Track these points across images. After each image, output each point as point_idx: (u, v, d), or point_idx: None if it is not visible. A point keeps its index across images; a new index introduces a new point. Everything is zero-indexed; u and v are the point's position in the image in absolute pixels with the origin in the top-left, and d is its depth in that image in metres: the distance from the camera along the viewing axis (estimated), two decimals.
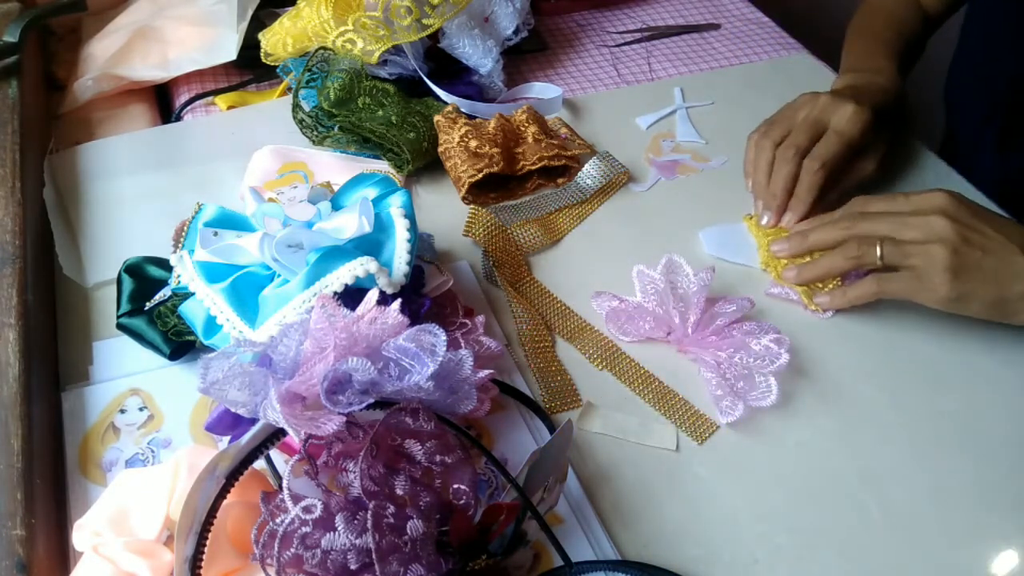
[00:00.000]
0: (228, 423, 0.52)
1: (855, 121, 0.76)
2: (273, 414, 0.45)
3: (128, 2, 0.97)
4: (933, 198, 0.66)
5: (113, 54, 0.88)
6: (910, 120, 0.88)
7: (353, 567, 0.44)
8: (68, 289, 0.69)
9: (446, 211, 0.78)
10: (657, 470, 0.61)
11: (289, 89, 0.87)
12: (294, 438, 0.46)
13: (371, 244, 0.58)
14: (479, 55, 0.87)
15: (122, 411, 0.61)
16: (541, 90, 0.93)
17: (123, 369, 0.63)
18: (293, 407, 0.46)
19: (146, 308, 0.63)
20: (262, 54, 0.87)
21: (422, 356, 0.48)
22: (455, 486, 0.48)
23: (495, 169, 0.77)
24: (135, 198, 0.77)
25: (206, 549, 0.46)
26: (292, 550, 0.43)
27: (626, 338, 0.69)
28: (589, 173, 0.82)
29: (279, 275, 0.57)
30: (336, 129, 0.81)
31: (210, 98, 0.89)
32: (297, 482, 0.45)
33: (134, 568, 0.48)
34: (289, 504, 0.44)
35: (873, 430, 0.64)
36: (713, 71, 0.99)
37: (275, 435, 0.48)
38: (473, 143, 0.78)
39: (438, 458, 0.48)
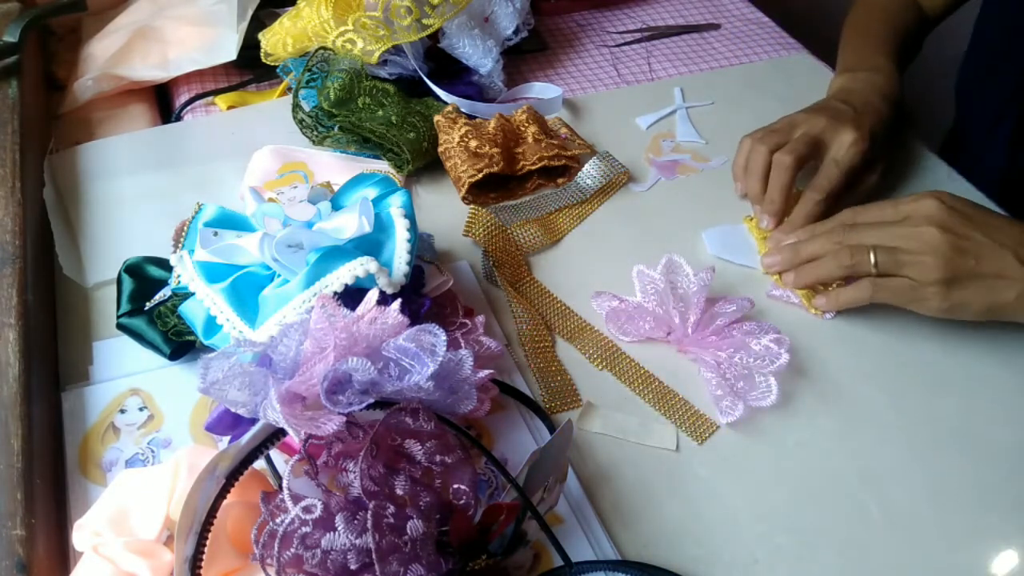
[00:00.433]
0: (228, 423, 0.52)
1: (856, 151, 0.76)
2: (273, 414, 0.45)
3: (128, 2, 0.97)
4: (923, 206, 0.66)
5: (113, 54, 0.88)
6: (910, 119, 0.88)
7: (353, 567, 0.44)
8: (68, 289, 0.69)
9: (446, 211, 0.78)
10: (657, 470, 0.61)
11: (289, 89, 0.87)
12: (294, 438, 0.46)
13: (371, 244, 0.58)
14: (479, 55, 0.87)
15: (122, 411, 0.61)
16: (541, 90, 0.93)
17: (123, 369, 0.63)
18: (293, 407, 0.46)
19: (146, 308, 0.63)
20: (262, 54, 0.87)
21: (422, 356, 0.48)
22: (455, 486, 0.48)
23: (495, 169, 0.77)
24: (135, 198, 0.77)
25: (206, 549, 0.46)
26: (292, 550, 0.43)
27: (626, 338, 0.69)
28: (589, 173, 0.82)
29: (279, 275, 0.57)
30: (336, 129, 0.81)
31: (210, 98, 0.89)
32: (297, 482, 0.45)
33: (134, 568, 0.48)
34: (289, 504, 0.44)
35: (873, 430, 0.64)
36: (713, 71, 0.99)
37: (275, 435, 0.48)
38: (473, 143, 0.78)
39: (438, 458, 0.48)
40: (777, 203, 0.76)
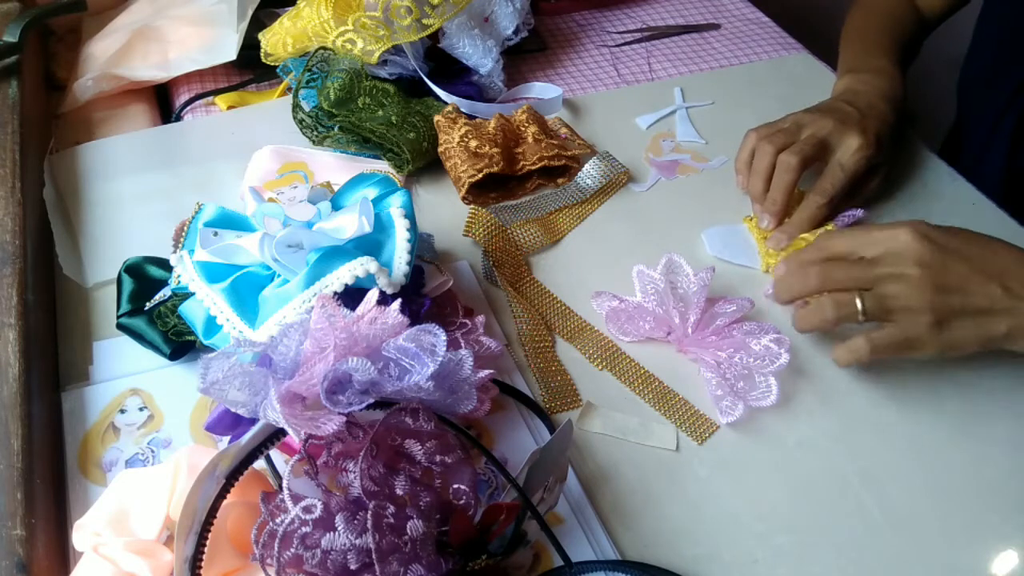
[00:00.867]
0: (228, 423, 0.52)
1: (861, 156, 0.76)
2: (273, 414, 0.45)
3: (128, 2, 0.97)
4: (901, 242, 0.62)
5: (113, 54, 0.88)
6: (910, 119, 0.87)
7: (353, 567, 0.44)
8: (68, 289, 0.69)
9: (446, 211, 0.78)
10: (657, 470, 0.61)
11: (289, 89, 0.87)
12: (294, 438, 0.46)
13: (371, 244, 0.58)
14: (479, 55, 0.87)
15: (122, 411, 0.61)
16: (541, 90, 0.93)
17: (123, 369, 0.63)
18: (293, 407, 0.46)
19: (146, 308, 0.63)
20: (262, 54, 0.87)
21: (422, 356, 0.48)
22: (455, 486, 0.48)
23: (495, 169, 0.77)
24: (135, 198, 0.77)
25: (206, 549, 0.46)
26: (292, 550, 0.43)
27: (626, 338, 0.69)
28: (589, 173, 0.82)
29: (279, 275, 0.57)
30: (336, 129, 0.81)
31: (210, 98, 0.89)
32: (297, 482, 0.45)
33: (134, 568, 0.48)
34: (289, 504, 0.44)
35: (873, 430, 0.64)
36: (713, 71, 0.99)
37: (275, 435, 0.48)
38: (473, 143, 0.78)
39: (438, 458, 0.48)
40: (779, 203, 0.76)
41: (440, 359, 0.48)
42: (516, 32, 0.92)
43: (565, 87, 0.94)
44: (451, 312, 0.65)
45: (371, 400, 0.47)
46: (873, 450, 0.63)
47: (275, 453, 0.54)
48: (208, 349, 0.59)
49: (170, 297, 0.63)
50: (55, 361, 0.64)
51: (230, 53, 0.88)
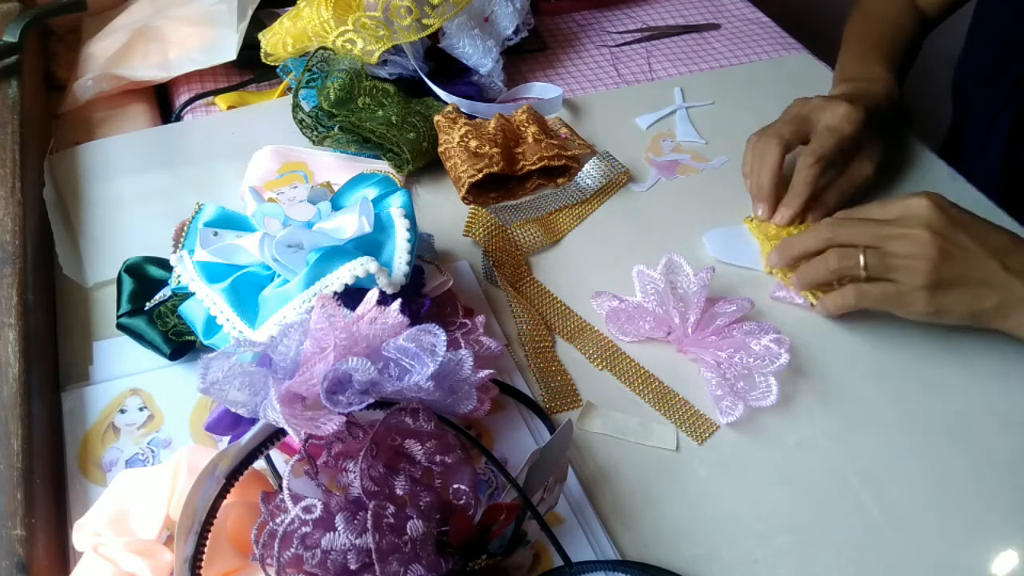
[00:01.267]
0: (228, 423, 0.52)
1: (847, 119, 0.76)
2: (273, 414, 0.45)
3: (128, 2, 0.97)
4: (914, 207, 0.66)
5: (113, 54, 0.88)
6: (910, 119, 0.87)
7: (353, 567, 0.44)
8: (68, 289, 0.69)
9: (446, 211, 0.78)
10: (657, 470, 0.61)
11: (289, 89, 0.87)
12: (294, 438, 0.46)
13: (371, 244, 0.58)
14: (479, 55, 0.87)
15: (122, 411, 0.61)
16: (541, 90, 0.93)
17: (123, 369, 0.63)
18: (293, 407, 0.46)
19: (146, 308, 0.63)
20: (262, 54, 0.87)
21: (422, 356, 0.48)
22: (455, 486, 0.48)
23: (495, 169, 0.77)
24: (135, 198, 0.77)
25: (206, 549, 0.46)
26: (292, 550, 0.43)
27: (626, 338, 0.69)
28: (589, 173, 0.82)
29: (279, 275, 0.57)
30: (336, 129, 0.81)
31: (210, 98, 0.89)
32: (297, 482, 0.45)
33: (134, 568, 0.48)
34: (289, 504, 0.44)
35: (873, 430, 0.64)
36: (713, 71, 0.99)
37: (275, 435, 0.48)
38: (473, 143, 0.78)
39: (438, 458, 0.48)
40: (765, 188, 0.76)
41: (440, 359, 0.48)
42: (516, 32, 0.92)
43: (565, 87, 0.94)
44: (451, 312, 0.65)
45: (371, 400, 0.47)
46: (873, 450, 0.63)
47: (275, 453, 0.54)
48: (208, 349, 0.59)
49: (170, 297, 0.63)
50: (55, 361, 0.64)
51: (230, 53, 0.88)
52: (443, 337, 0.49)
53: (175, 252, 0.62)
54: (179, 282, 0.59)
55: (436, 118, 0.81)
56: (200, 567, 0.46)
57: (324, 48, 0.82)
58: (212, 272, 0.58)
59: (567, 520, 0.57)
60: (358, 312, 0.50)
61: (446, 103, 0.84)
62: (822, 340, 0.70)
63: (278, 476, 0.53)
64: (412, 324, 0.50)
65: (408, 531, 0.44)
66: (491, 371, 0.55)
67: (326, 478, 0.46)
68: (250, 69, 0.91)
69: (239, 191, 0.78)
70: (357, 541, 0.43)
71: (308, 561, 0.43)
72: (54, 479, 0.56)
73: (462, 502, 0.48)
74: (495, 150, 0.77)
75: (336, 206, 0.62)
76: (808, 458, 0.62)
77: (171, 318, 0.62)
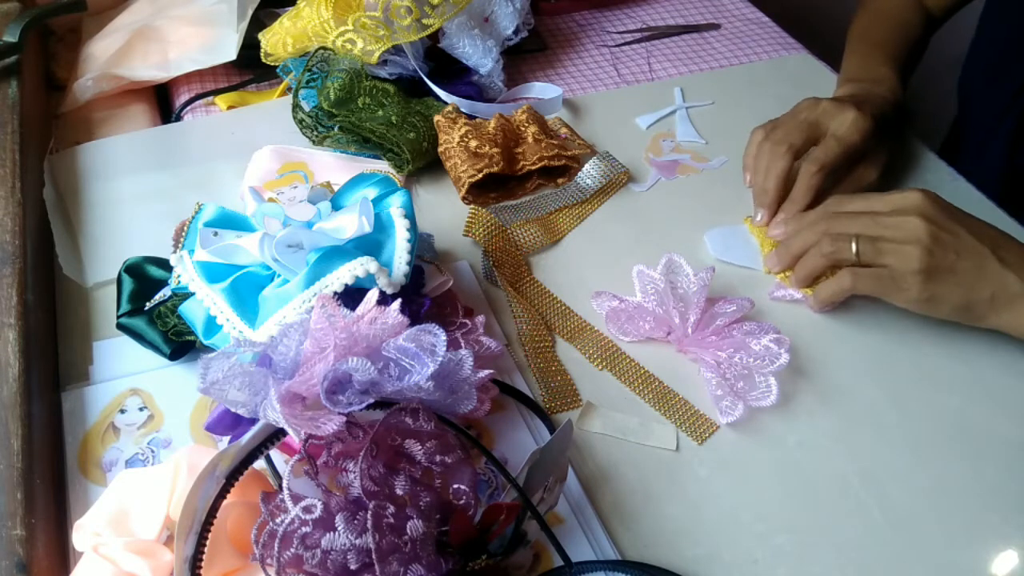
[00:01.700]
0: (228, 423, 0.52)
1: (855, 128, 0.76)
2: (273, 414, 0.45)
3: (128, 2, 0.97)
4: (909, 198, 0.67)
5: (113, 54, 0.88)
6: (910, 119, 0.87)
7: (353, 567, 0.44)
8: (68, 289, 0.69)
9: (446, 211, 0.78)
10: (657, 470, 0.61)
11: (289, 89, 0.87)
12: (294, 438, 0.46)
13: (371, 244, 0.58)
14: (479, 55, 0.87)
15: (122, 411, 0.61)
16: (541, 90, 0.93)
17: (123, 369, 0.63)
18: (293, 407, 0.46)
19: (146, 308, 0.63)
20: (262, 54, 0.87)
21: (422, 356, 0.48)
22: (455, 486, 0.48)
23: (495, 169, 0.77)
24: (135, 198, 0.77)
25: (206, 549, 0.46)
26: (292, 550, 0.44)
27: (626, 338, 0.69)
28: (589, 173, 0.82)
29: (279, 275, 0.57)
30: (336, 129, 0.81)
31: (210, 98, 0.89)
32: (297, 482, 0.45)
33: (134, 568, 0.48)
34: (289, 504, 0.44)
35: (873, 430, 0.64)
36: (713, 71, 0.99)
37: (275, 435, 0.48)
38: (473, 143, 0.78)
39: (438, 458, 0.48)
40: (770, 193, 0.76)
41: (440, 359, 0.48)
42: (516, 32, 0.92)
43: (565, 87, 0.94)
44: (451, 312, 0.65)
45: (371, 400, 0.47)
46: (873, 450, 0.63)
47: (275, 453, 0.54)
48: (208, 349, 0.59)
49: (170, 297, 0.63)
50: (55, 361, 0.64)
51: (230, 53, 0.88)
52: (443, 337, 0.49)
53: (175, 252, 0.62)
54: (179, 282, 0.59)
55: (436, 118, 0.81)
56: (200, 567, 0.46)
57: (324, 48, 0.82)
58: (212, 272, 0.58)
59: (567, 520, 0.57)
60: (358, 312, 0.50)
61: (446, 103, 0.84)
62: (822, 340, 0.70)
63: (278, 476, 0.53)
64: (412, 324, 0.50)
65: (408, 531, 0.44)
66: (491, 371, 0.55)
67: (326, 478, 0.46)
68: (250, 69, 0.91)
69: (239, 191, 0.78)
70: (357, 541, 0.43)
71: (308, 561, 0.43)
72: (54, 479, 0.56)
73: (462, 502, 0.48)
74: (495, 150, 0.77)
75: (336, 206, 0.62)
76: (808, 458, 0.62)
77: (171, 318, 0.62)
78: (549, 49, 1.01)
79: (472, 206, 0.76)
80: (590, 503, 0.58)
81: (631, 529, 0.57)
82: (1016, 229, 0.80)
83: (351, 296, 0.53)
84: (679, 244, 0.75)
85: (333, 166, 0.80)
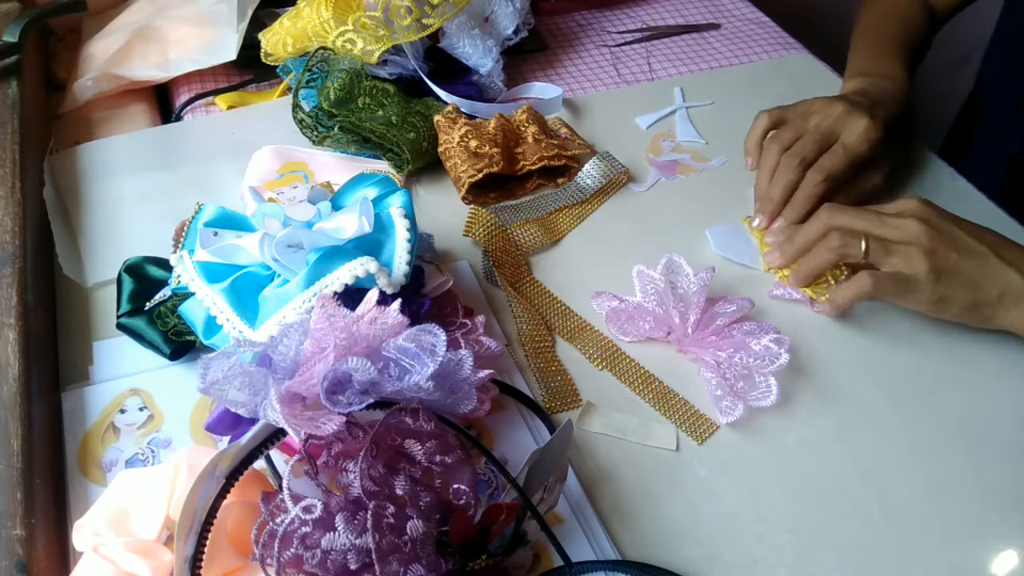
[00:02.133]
0: (228, 423, 0.52)
1: (865, 138, 0.76)
2: (273, 414, 0.45)
3: (128, 2, 0.97)
4: (907, 203, 0.68)
5: (113, 54, 0.88)
6: (913, 119, 0.87)
7: (353, 567, 0.44)
8: (68, 289, 0.69)
9: (446, 211, 0.78)
10: (657, 470, 0.61)
11: (289, 89, 0.87)
12: (294, 438, 0.46)
13: (371, 244, 0.58)
14: (479, 55, 0.87)
15: (122, 411, 0.61)
16: (541, 90, 0.93)
17: (123, 369, 0.63)
18: (293, 407, 0.46)
19: (146, 308, 0.63)
20: (262, 54, 0.87)
21: (422, 356, 0.48)
22: (455, 486, 0.48)
23: (495, 169, 0.77)
24: (135, 198, 0.77)
25: (206, 549, 0.46)
26: (292, 550, 0.43)
27: (626, 338, 0.69)
28: (589, 173, 0.82)
29: (279, 275, 0.57)
30: (336, 129, 0.81)
31: (210, 98, 0.89)
32: (297, 482, 0.45)
33: (134, 568, 0.48)
34: (289, 504, 0.44)
35: (873, 430, 0.64)
36: (713, 71, 0.99)
37: (275, 435, 0.48)
38: (473, 143, 0.78)
39: (438, 458, 0.48)
40: (775, 202, 0.76)
41: (440, 359, 0.48)
42: (516, 32, 0.92)
43: (565, 87, 0.94)
44: (451, 312, 0.65)
45: (371, 400, 0.47)
46: (873, 450, 0.63)
47: (275, 453, 0.54)
48: (208, 349, 0.59)
49: (170, 297, 0.63)
50: (55, 361, 0.64)
51: (230, 53, 0.88)
52: (443, 337, 0.48)
53: (175, 252, 0.62)
54: (179, 282, 0.59)
55: (436, 118, 0.81)
56: (200, 567, 0.46)
57: (324, 48, 0.82)
58: (212, 272, 0.58)
59: (567, 520, 0.57)
60: (358, 312, 0.50)
61: (446, 103, 0.84)
62: (822, 340, 0.70)
63: (278, 476, 0.53)
64: (412, 324, 0.50)
65: (408, 531, 0.44)
66: (491, 371, 0.55)
67: (326, 478, 0.46)
68: (250, 69, 0.91)
69: (239, 191, 0.78)
70: (357, 541, 0.43)
71: (308, 561, 0.43)
72: (54, 479, 0.56)
73: (462, 502, 0.48)
74: (495, 150, 0.77)
75: (336, 206, 0.62)
76: (808, 458, 0.62)
77: (171, 318, 0.62)
78: (549, 49, 1.01)
79: (472, 206, 0.76)
80: (590, 503, 0.58)
81: (631, 529, 0.57)
82: (1017, 229, 0.80)
83: (351, 296, 0.53)
84: (679, 244, 0.75)
85: (333, 166, 0.80)
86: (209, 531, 0.46)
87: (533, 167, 0.79)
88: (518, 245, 0.75)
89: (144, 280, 0.65)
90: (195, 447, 0.54)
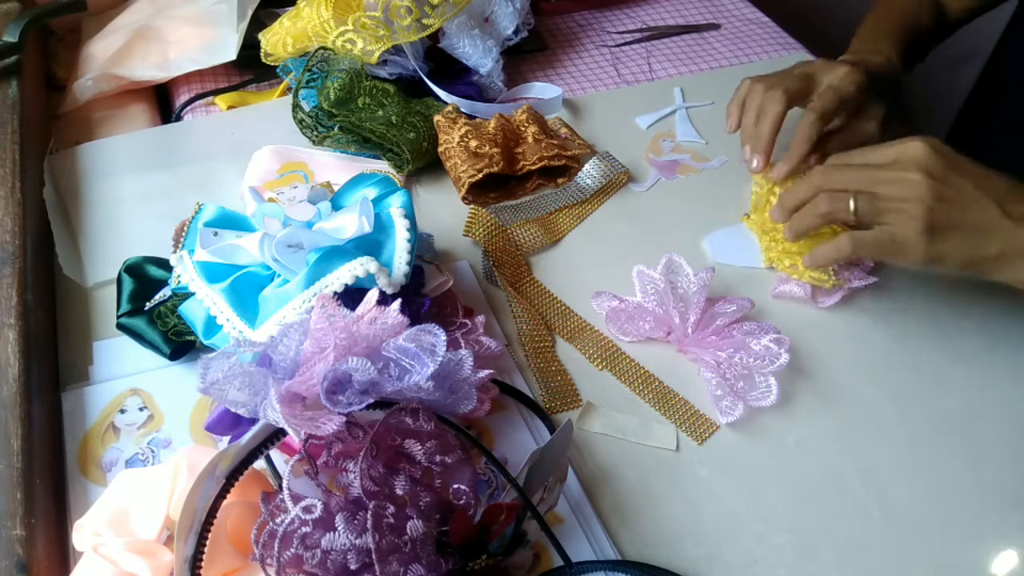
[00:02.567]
0: (228, 423, 0.52)
1: (850, 79, 0.75)
2: (273, 414, 0.45)
3: (128, 2, 0.97)
4: (910, 149, 0.63)
5: (113, 54, 0.88)
6: (910, 119, 0.87)
7: (353, 567, 0.44)
8: (68, 289, 0.69)
9: (446, 211, 0.78)
10: (657, 470, 0.61)
11: (289, 89, 0.87)
12: (294, 438, 0.46)
13: (371, 244, 0.58)
14: (479, 55, 0.87)
15: (122, 411, 0.61)
16: (541, 90, 0.93)
17: (123, 369, 0.63)
18: (293, 407, 0.46)
19: (146, 308, 0.63)
20: (262, 54, 0.87)
21: (422, 356, 0.48)
22: (455, 486, 0.48)
23: (495, 169, 0.77)
24: (135, 198, 0.77)
25: (206, 549, 0.46)
26: (292, 550, 0.44)
27: (626, 338, 0.69)
28: (589, 173, 0.82)
29: (279, 275, 0.57)
30: (336, 129, 0.81)
31: (210, 98, 0.89)
32: (297, 482, 0.45)
33: (134, 568, 0.48)
34: (289, 504, 0.44)
35: (873, 430, 0.64)
36: (713, 71, 0.99)
37: (275, 435, 0.48)
38: (473, 143, 0.78)
39: (438, 458, 0.48)
40: (765, 137, 0.75)
41: (440, 359, 0.48)
42: (516, 32, 0.92)
43: (565, 87, 0.94)
44: (451, 312, 0.65)
45: (371, 400, 0.47)
46: (873, 450, 0.63)
47: (275, 453, 0.54)
48: (208, 349, 0.59)
49: (170, 297, 0.63)
50: (55, 361, 0.64)
51: (230, 53, 0.88)
52: (443, 337, 0.49)
53: (175, 252, 0.62)
54: (179, 282, 0.59)
55: (436, 118, 0.81)
56: (200, 567, 0.46)
57: (324, 48, 0.82)
58: (212, 272, 0.58)
59: (567, 520, 0.57)
60: (358, 312, 0.50)
61: (446, 103, 0.84)
62: (822, 340, 0.70)
63: (278, 476, 0.53)
64: (412, 324, 0.50)
65: (408, 531, 0.44)
66: (491, 371, 0.55)
67: (326, 478, 0.46)
68: (250, 69, 0.91)
69: (239, 191, 0.78)
70: (357, 541, 0.43)
71: (308, 561, 0.43)
72: (54, 479, 0.56)
73: (462, 502, 0.48)
74: (495, 150, 0.77)
75: (336, 206, 0.62)
76: (808, 458, 0.62)
77: (171, 318, 0.62)
78: (549, 49, 1.01)
79: (472, 206, 0.76)
80: (590, 503, 0.58)
81: (631, 529, 0.57)
82: None
83: (351, 296, 0.53)
84: (679, 244, 0.75)
85: (333, 166, 0.80)
86: (209, 531, 0.46)
87: (533, 167, 0.79)
88: (518, 245, 0.75)
89: (144, 280, 0.65)
90: (195, 447, 0.54)
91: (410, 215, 0.60)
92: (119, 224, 0.75)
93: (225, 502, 0.47)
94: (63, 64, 0.92)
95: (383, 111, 0.81)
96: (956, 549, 0.58)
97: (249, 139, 0.82)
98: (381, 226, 0.60)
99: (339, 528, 0.44)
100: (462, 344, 0.61)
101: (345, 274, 0.55)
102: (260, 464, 0.52)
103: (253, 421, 0.49)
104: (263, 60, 0.87)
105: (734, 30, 1.06)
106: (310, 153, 0.81)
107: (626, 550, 0.56)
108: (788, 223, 0.69)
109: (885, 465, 0.62)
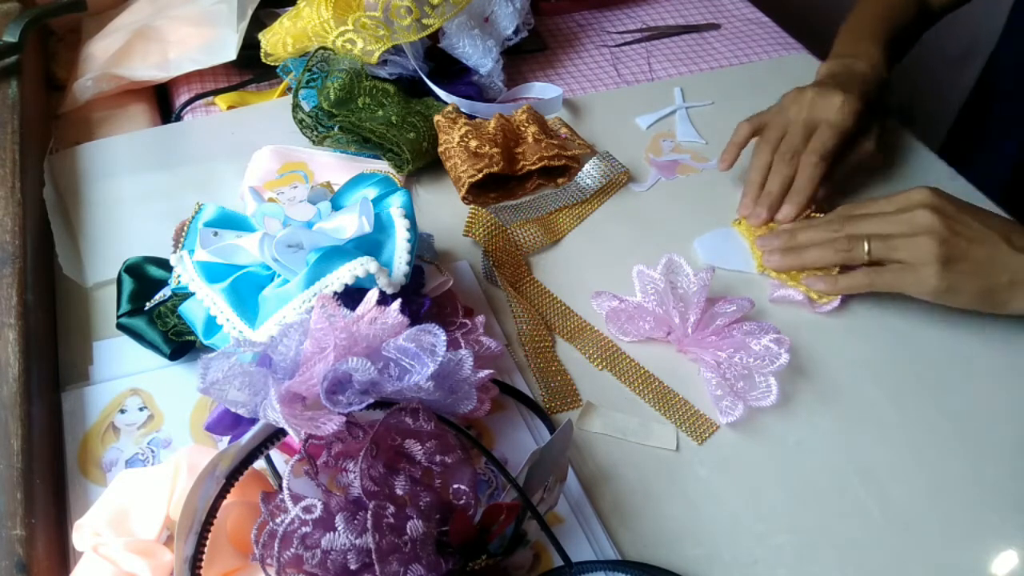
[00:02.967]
0: (228, 423, 0.52)
1: (845, 111, 0.77)
2: (273, 414, 0.45)
3: (128, 2, 0.97)
4: (915, 194, 0.68)
5: (113, 54, 0.88)
6: (910, 119, 0.87)
7: (353, 567, 0.44)
8: (68, 289, 0.69)
9: (446, 211, 0.78)
10: (657, 470, 0.61)
11: (289, 89, 0.87)
12: (294, 438, 0.46)
13: (371, 244, 0.58)
14: (479, 55, 0.87)
15: (122, 411, 0.61)
16: (541, 90, 0.93)
17: (123, 369, 0.63)
18: (293, 407, 0.46)
19: (146, 308, 0.63)
20: (262, 54, 0.87)
21: (422, 356, 0.48)
22: (455, 486, 0.48)
23: (495, 169, 0.77)
24: (135, 198, 0.77)
25: (206, 549, 0.46)
26: (292, 550, 0.43)
27: (626, 338, 0.69)
28: (589, 173, 0.82)
29: (279, 275, 0.57)
30: (336, 129, 0.81)
31: (210, 98, 0.89)
32: (297, 482, 0.45)
33: (134, 568, 0.48)
34: (289, 504, 0.44)
35: (873, 430, 0.64)
36: (713, 71, 0.99)
37: (275, 435, 0.48)
38: (473, 143, 0.78)
39: (438, 458, 0.48)
40: (774, 195, 0.77)
41: (440, 359, 0.48)
42: (516, 32, 0.92)
43: (565, 87, 0.94)
44: (451, 312, 0.65)
45: (371, 400, 0.47)
46: (873, 450, 0.63)
47: (275, 453, 0.54)
48: (208, 349, 0.59)
49: (170, 297, 0.63)
50: (55, 361, 0.64)
51: (230, 53, 0.88)
52: (443, 337, 0.48)
53: (175, 252, 0.62)
54: (179, 282, 0.59)
55: (436, 118, 0.81)
56: (200, 567, 0.46)
57: (324, 48, 0.82)
58: (212, 272, 0.58)
59: (567, 520, 0.57)
60: (358, 312, 0.50)
61: (446, 103, 0.84)
62: (822, 340, 0.70)
63: (278, 476, 0.53)
64: (412, 324, 0.50)
65: (408, 531, 0.44)
66: (491, 371, 0.55)
67: (326, 478, 0.46)
68: (250, 69, 0.91)
69: (239, 191, 0.78)
70: (357, 541, 0.43)
71: (308, 561, 0.43)
72: (54, 479, 0.56)
73: (462, 502, 0.48)
74: (495, 150, 0.77)
75: (336, 206, 0.62)
76: (808, 458, 0.62)
77: (171, 318, 0.62)
78: (549, 49, 1.01)
79: (472, 206, 0.76)
80: (590, 503, 0.58)
81: (631, 529, 0.57)
82: None
83: (351, 296, 0.53)
84: (679, 244, 0.75)
85: (333, 166, 0.80)
86: (209, 531, 0.46)
87: (533, 167, 0.79)
88: (518, 245, 0.75)
89: (144, 280, 0.65)
90: (195, 447, 0.54)
91: (410, 215, 0.60)
92: (119, 224, 0.75)
93: (225, 502, 0.47)
94: (63, 64, 0.92)
95: (383, 111, 0.81)
96: (956, 549, 0.58)
97: (249, 139, 0.82)
98: (381, 226, 0.60)
99: (339, 528, 0.44)
100: (462, 344, 0.61)
101: (345, 274, 0.55)
102: (260, 464, 0.52)
103: (253, 421, 0.49)
104: (263, 60, 0.87)
105: (734, 30, 1.06)
106: (310, 153, 0.81)
107: (626, 550, 0.56)
108: (794, 251, 0.72)
109: (885, 465, 0.62)
